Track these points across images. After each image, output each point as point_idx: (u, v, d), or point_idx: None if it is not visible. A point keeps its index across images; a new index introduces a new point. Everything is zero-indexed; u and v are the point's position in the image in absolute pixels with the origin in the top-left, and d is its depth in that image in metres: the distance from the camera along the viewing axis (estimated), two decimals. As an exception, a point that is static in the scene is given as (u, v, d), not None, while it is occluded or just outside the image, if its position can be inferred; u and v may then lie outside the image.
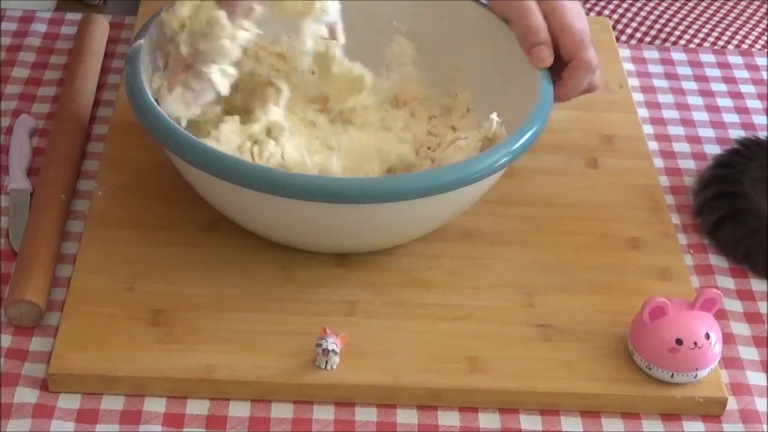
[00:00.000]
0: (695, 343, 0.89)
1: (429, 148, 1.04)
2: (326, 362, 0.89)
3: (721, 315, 0.98)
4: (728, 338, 0.96)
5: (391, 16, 1.10)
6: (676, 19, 1.64)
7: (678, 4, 1.67)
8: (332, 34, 0.98)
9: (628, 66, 1.25)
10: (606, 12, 1.64)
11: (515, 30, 1.01)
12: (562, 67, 1.00)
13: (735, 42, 1.60)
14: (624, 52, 1.27)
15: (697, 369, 0.90)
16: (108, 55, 1.20)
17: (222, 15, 0.94)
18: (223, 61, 0.95)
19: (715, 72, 1.26)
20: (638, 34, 1.61)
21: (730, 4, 1.68)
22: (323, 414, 0.88)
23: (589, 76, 1.00)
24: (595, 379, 0.91)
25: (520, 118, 0.96)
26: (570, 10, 1.00)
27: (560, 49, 0.99)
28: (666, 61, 1.26)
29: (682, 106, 1.20)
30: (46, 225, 0.98)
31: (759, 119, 1.20)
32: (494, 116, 0.97)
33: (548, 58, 0.99)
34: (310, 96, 1.03)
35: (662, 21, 1.63)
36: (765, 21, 1.64)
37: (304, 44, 0.98)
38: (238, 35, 0.95)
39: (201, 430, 0.87)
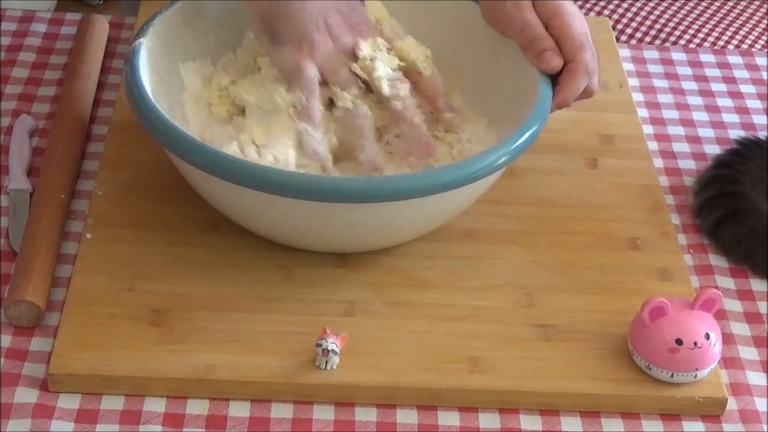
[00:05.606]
0: (695, 343, 0.89)
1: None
2: (326, 362, 0.89)
3: (721, 315, 0.98)
4: (728, 338, 0.96)
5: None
6: (676, 19, 1.64)
7: (678, 4, 1.67)
8: None
9: (628, 66, 1.25)
10: (606, 12, 1.64)
11: (518, 42, 1.00)
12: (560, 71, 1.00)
13: (735, 42, 1.60)
14: (624, 52, 1.27)
15: (697, 369, 0.90)
16: (108, 55, 1.20)
17: None
18: None
19: (715, 72, 1.26)
20: (638, 34, 1.61)
21: (730, 4, 1.68)
22: (323, 414, 0.88)
23: (586, 79, 0.99)
24: (595, 379, 0.91)
25: (520, 118, 0.96)
26: (571, 13, 0.99)
27: (561, 52, 0.99)
28: (666, 61, 1.26)
29: (682, 106, 1.20)
30: (46, 225, 0.98)
31: (759, 119, 1.20)
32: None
33: (558, 64, 0.98)
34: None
35: (662, 21, 1.63)
36: (765, 21, 1.65)
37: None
38: None
39: (201, 430, 0.87)
